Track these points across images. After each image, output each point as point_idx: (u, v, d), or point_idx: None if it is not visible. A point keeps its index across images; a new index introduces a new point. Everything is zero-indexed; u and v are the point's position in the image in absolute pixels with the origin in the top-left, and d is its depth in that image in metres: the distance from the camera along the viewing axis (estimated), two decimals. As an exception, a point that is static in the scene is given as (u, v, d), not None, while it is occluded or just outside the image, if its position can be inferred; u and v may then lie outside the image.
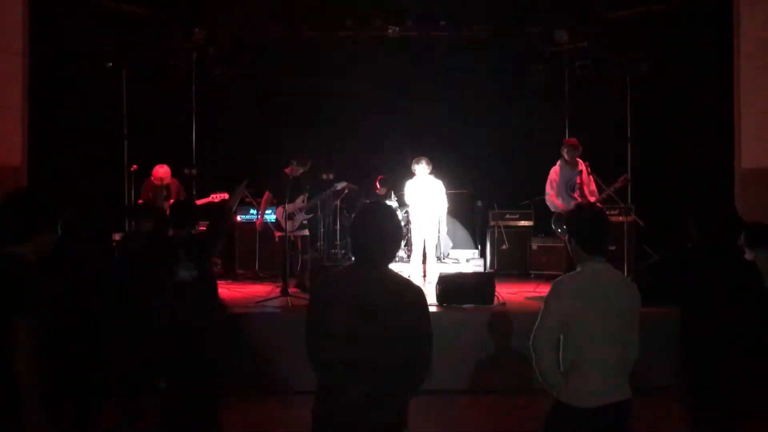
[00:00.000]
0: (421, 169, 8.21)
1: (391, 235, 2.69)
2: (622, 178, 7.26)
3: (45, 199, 2.93)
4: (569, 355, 2.99)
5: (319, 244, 9.62)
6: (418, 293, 2.69)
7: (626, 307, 3.01)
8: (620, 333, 2.98)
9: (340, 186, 8.35)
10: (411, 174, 8.40)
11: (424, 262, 8.37)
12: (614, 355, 2.97)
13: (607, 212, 8.92)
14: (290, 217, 7.59)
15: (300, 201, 7.80)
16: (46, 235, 2.92)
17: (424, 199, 8.20)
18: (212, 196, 8.37)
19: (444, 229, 8.64)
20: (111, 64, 8.93)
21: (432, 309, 6.67)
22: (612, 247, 8.60)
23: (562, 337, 3.00)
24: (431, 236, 8.28)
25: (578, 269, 3.08)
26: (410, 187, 8.39)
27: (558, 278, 3.09)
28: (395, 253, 2.78)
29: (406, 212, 9.88)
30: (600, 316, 2.93)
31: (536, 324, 3.00)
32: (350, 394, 2.55)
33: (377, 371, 2.56)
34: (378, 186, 10.28)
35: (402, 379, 2.62)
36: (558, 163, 7.40)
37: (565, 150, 7.34)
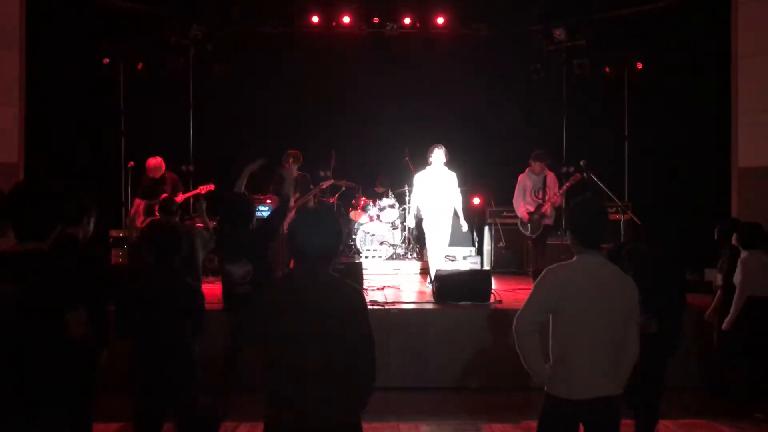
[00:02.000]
0: (438, 157, 7.73)
1: (331, 238, 2.70)
2: (573, 176, 7.76)
3: (61, 192, 2.94)
4: (557, 345, 2.98)
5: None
6: (358, 295, 2.71)
7: (619, 303, 2.98)
8: (611, 328, 2.95)
9: (325, 184, 8.34)
10: (423, 165, 8.08)
11: (435, 260, 8.04)
12: (604, 349, 2.94)
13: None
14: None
15: (292, 201, 7.79)
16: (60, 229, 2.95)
17: (439, 191, 7.70)
18: (200, 188, 8.38)
19: (465, 224, 8.05)
20: (108, 60, 8.91)
21: (429, 306, 6.69)
22: (608, 245, 8.63)
23: (551, 327, 2.99)
24: (444, 233, 7.75)
25: (574, 260, 3.07)
26: (422, 179, 7.81)
27: (551, 266, 3.10)
28: (335, 256, 2.80)
29: (403, 209, 9.90)
30: (589, 309, 2.92)
31: (521, 309, 3.00)
32: (303, 400, 2.56)
33: (327, 376, 2.57)
34: (377, 184, 10.28)
35: (352, 383, 2.64)
36: (526, 171, 7.97)
37: (536, 161, 7.93)
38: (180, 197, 8.26)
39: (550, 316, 2.99)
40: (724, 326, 5.38)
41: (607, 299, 2.95)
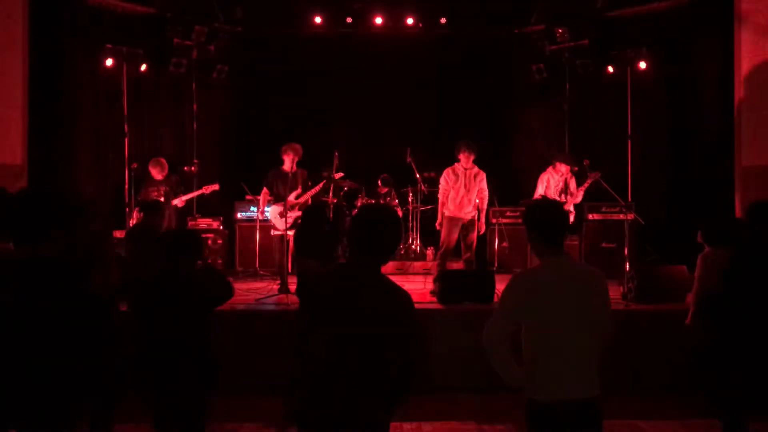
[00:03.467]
0: (465, 155, 7.49)
1: (391, 239, 2.71)
2: (592, 175, 7.86)
3: (59, 195, 2.92)
4: (531, 349, 2.95)
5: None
6: (406, 299, 2.69)
7: (592, 300, 2.96)
8: (584, 325, 2.92)
9: (338, 176, 8.27)
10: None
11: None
12: (577, 348, 2.91)
13: (608, 210, 9.04)
14: (283, 214, 7.52)
15: (293, 197, 7.71)
16: (60, 233, 2.92)
17: (466, 189, 7.49)
18: (204, 188, 8.40)
19: (482, 227, 7.76)
20: (111, 62, 8.93)
21: (432, 306, 6.68)
22: (612, 245, 8.65)
23: (523, 331, 2.96)
24: (472, 235, 7.56)
25: (541, 264, 3.04)
26: (449, 176, 7.55)
27: (517, 273, 3.08)
28: (390, 257, 2.79)
29: (406, 209, 9.90)
30: (560, 309, 2.89)
31: (491, 319, 2.96)
32: (337, 394, 2.57)
33: (364, 373, 2.57)
34: (380, 184, 10.27)
35: (388, 383, 2.63)
36: (549, 170, 8.03)
37: (560, 162, 7.98)
38: (182, 198, 8.29)
39: (522, 321, 2.95)
40: (687, 322, 5.27)
41: (577, 297, 2.93)
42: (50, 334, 2.70)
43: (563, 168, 7.93)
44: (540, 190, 7.98)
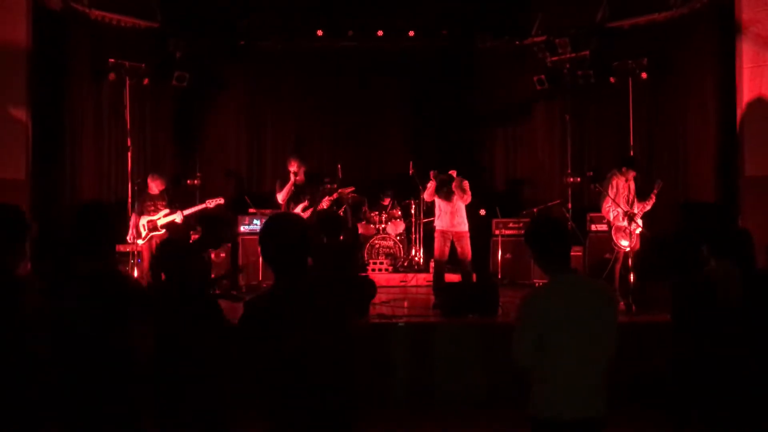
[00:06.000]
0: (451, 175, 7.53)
1: (304, 244, 2.70)
2: (658, 183, 7.46)
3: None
4: (540, 367, 2.92)
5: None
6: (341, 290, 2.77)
7: (600, 316, 2.93)
8: (593, 343, 2.89)
9: (347, 190, 8.22)
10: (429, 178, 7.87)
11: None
12: (586, 367, 2.88)
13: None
14: None
15: (300, 209, 7.69)
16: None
17: (454, 202, 7.52)
18: (207, 202, 8.40)
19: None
20: (114, 76, 8.96)
21: (435, 319, 6.66)
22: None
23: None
24: (465, 249, 7.52)
25: (549, 281, 3.01)
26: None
27: (528, 292, 3.05)
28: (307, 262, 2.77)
29: (408, 221, 9.90)
30: (570, 329, 2.86)
31: (516, 341, 2.93)
32: (308, 411, 2.57)
33: (327, 386, 2.59)
34: (381, 197, 10.28)
35: (350, 392, 2.68)
36: (615, 173, 7.48)
37: (629, 168, 7.46)
38: (183, 213, 8.24)
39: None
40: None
41: (590, 317, 2.89)
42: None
43: (630, 174, 7.43)
44: (611, 194, 7.35)
